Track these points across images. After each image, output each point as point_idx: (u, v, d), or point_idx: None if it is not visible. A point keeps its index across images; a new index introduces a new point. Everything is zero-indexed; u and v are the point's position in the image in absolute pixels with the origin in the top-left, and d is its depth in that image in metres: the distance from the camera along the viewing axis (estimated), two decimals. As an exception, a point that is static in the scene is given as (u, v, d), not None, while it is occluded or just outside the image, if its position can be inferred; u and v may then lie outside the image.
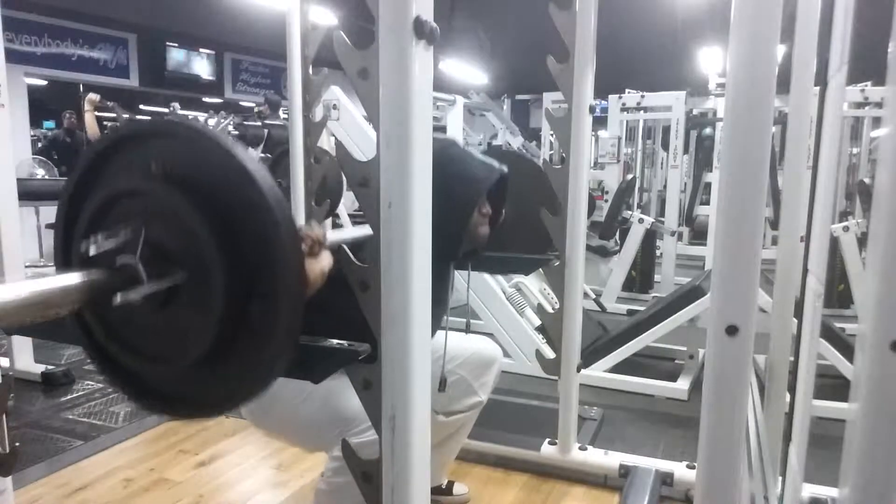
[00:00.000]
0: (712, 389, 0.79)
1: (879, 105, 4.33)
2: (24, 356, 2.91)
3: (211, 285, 0.75)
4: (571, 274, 1.90)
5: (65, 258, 0.85)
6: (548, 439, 2.08)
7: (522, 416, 2.64)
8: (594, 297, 4.43)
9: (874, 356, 0.56)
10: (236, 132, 4.41)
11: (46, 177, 6.39)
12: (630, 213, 4.74)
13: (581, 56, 1.80)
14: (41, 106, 9.03)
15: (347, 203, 5.26)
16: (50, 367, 2.92)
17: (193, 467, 2.09)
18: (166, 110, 6.00)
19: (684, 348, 3.16)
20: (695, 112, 6.56)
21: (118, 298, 0.73)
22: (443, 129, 4.25)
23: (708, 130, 6.74)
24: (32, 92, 6.93)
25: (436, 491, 1.88)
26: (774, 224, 4.00)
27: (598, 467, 2.01)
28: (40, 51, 6.77)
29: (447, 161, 1.40)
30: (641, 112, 5.28)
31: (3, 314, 0.67)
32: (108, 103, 5.05)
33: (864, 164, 4.88)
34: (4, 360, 2.88)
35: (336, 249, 1.01)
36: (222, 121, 5.17)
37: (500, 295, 3.22)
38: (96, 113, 5.14)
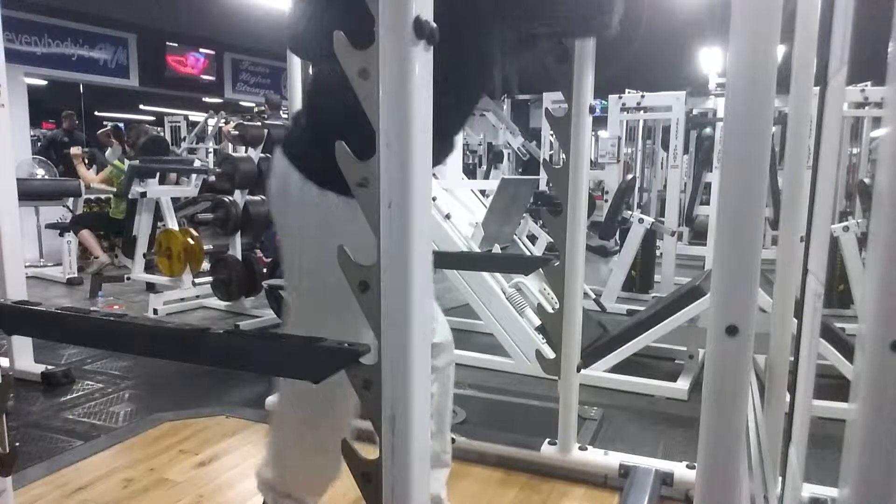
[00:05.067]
0: (712, 389, 0.79)
1: (879, 105, 4.34)
2: (24, 356, 2.91)
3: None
4: (571, 274, 1.90)
5: None
6: (548, 439, 2.08)
7: (522, 416, 2.64)
8: (594, 297, 4.43)
9: (874, 356, 0.56)
10: (236, 132, 4.42)
11: (46, 177, 6.40)
12: (630, 213, 4.74)
13: (581, 56, 1.80)
14: (41, 106, 9.03)
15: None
16: (50, 367, 2.92)
17: (193, 467, 2.09)
18: (167, 110, 6.01)
19: (684, 348, 3.16)
20: (695, 112, 6.57)
21: None
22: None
23: (708, 130, 6.75)
24: (32, 92, 6.93)
25: None
26: (774, 224, 4.00)
27: (598, 467, 2.01)
28: (40, 51, 6.78)
29: None
30: (641, 112, 5.29)
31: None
32: (86, 151, 5.39)
33: (864, 164, 4.88)
34: (4, 360, 2.88)
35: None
36: (222, 121, 5.19)
37: (500, 295, 3.22)
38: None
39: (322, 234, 1.32)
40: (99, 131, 5.95)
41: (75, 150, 5.42)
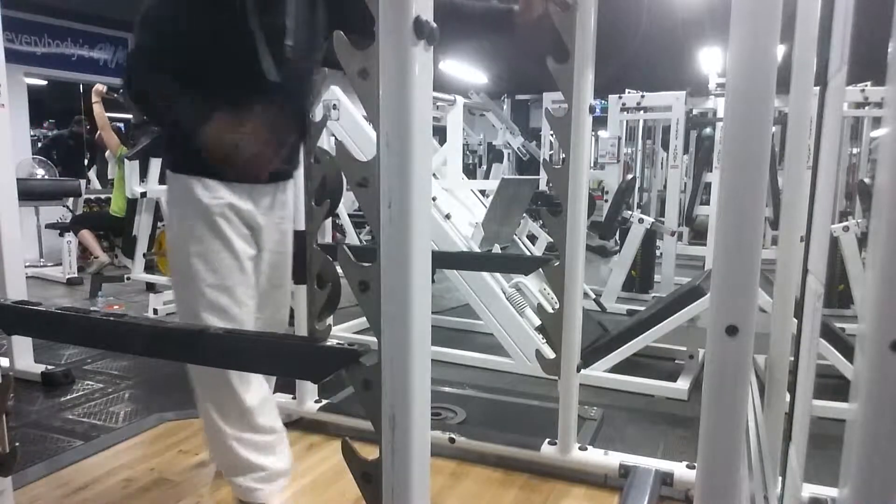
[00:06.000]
0: (712, 389, 0.79)
1: (879, 105, 4.34)
2: (24, 356, 2.91)
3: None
4: (571, 274, 1.90)
5: None
6: (548, 439, 2.08)
7: (522, 416, 2.64)
8: (594, 297, 4.43)
9: (874, 356, 0.56)
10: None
11: (46, 177, 6.40)
12: (630, 213, 4.75)
13: (581, 56, 1.80)
14: (41, 106, 9.01)
15: (347, 203, 5.27)
16: (50, 367, 2.92)
17: (193, 467, 2.09)
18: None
19: (684, 348, 3.16)
20: (695, 112, 6.56)
21: None
22: (443, 130, 4.26)
23: (708, 130, 6.75)
24: (32, 92, 6.92)
25: None
26: (774, 224, 4.00)
27: (598, 467, 2.01)
28: (40, 51, 6.77)
29: None
30: (641, 112, 5.29)
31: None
32: (116, 94, 5.10)
33: (864, 164, 4.88)
34: (4, 360, 2.88)
35: (336, 249, 1.01)
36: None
37: (500, 295, 3.22)
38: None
39: (180, 210, 1.57)
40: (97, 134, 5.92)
41: (100, 87, 5.23)
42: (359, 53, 0.89)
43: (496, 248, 3.59)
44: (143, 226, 4.59)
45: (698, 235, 6.45)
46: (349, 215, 5.24)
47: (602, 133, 5.69)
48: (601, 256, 6.21)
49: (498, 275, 3.27)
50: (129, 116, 5.45)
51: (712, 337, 0.77)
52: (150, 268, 4.57)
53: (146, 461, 2.13)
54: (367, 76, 0.89)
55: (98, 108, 5.19)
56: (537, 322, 3.12)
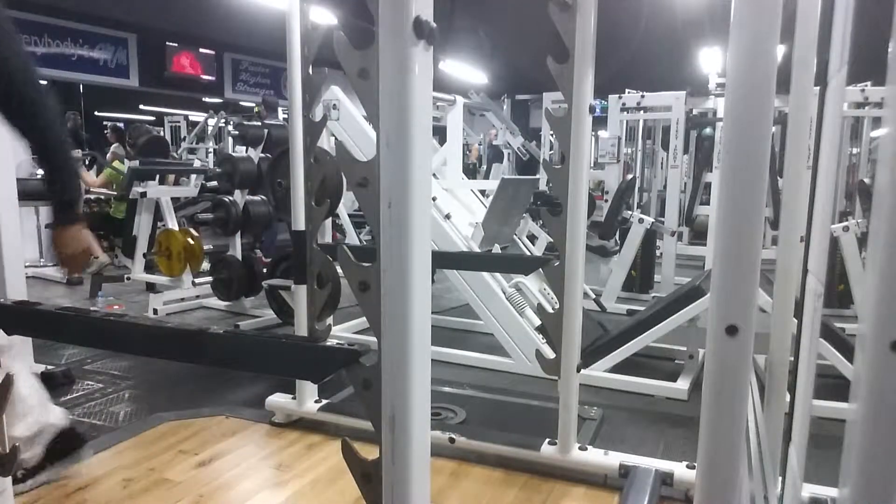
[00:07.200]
0: (712, 389, 0.79)
1: (879, 105, 4.34)
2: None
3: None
4: (571, 274, 1.90)
5: None
6: (548, 439, 2.08)
7: (522, 416, 2.64)
8: (594, 297, 4.43)
9: (874, 356, 0.56)
10: (236, 132, 4.41)
11: (47, 177, 6.39)
12: (630, 213, 4.75)
13: (581, 56, 1.80)
14: (41, 106, 9.01)
15: (347, 203, 5.27)
16: (50, 367, 2.92)
17: (193, 467, 2.09)
18: (167, 110, 6.01)
19: (684, 348, 3.16)
20: (695, 112, 6.56)
21: None
22: (443, 130, 4.27)
23: (708, 130, 6.75)
24: (32, 92, 6.94)
25: None
26: (774, 224, 4.00)
27: (598, 467, 2.01)
28: (40, 51, 6.77)
29: None
30: (641, 112, 5.29)
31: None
32: (86, 153, 5.49)
33: (864, 164, 4.89)
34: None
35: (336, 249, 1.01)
36: (222, 121, 5.19)
37: (500, 295, 3.22)
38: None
39: None
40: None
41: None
42: (359, 53, 0.89)
43: (496, 248, 3.59)
44: (143, 226, 4.58)
45: (698, 235, 6.45)
46: (349, 215, 5.24)
47: (602, 133, 5.69)
48: (601, 256, 6.21)
49: (498, 275, 3.27)
50: (131, 117, 5.45)
51: (712, 337, 0.77)
52: (150, 268, 4.57)
53: (146, 461, 2.13)
54: (367, 76, 0.89)
55: (81, 172, 5.50)
56: (537, 322, 3.12)
